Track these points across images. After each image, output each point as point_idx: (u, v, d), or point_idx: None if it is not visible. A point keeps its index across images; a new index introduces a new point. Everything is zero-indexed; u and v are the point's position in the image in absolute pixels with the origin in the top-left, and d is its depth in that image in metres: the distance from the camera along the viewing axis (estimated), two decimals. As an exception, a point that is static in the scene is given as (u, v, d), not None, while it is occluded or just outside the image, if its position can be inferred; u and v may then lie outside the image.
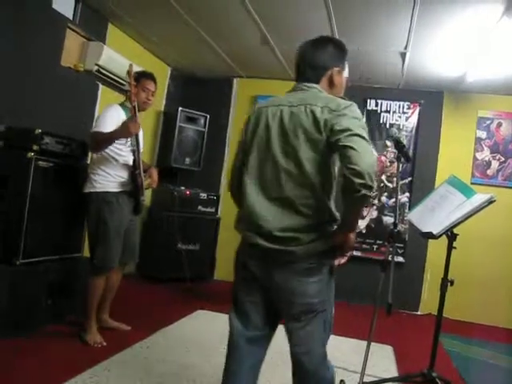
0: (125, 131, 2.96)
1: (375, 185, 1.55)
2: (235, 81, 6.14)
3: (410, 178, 5.53)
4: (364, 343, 2.74)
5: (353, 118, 1.62)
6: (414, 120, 5.58)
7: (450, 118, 5.59)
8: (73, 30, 4.15)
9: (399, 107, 5.61)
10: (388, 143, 5.54)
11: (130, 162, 3.17)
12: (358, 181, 1.48)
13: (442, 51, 4.38)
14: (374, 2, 3.59)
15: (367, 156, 1.53)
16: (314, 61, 1.83)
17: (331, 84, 1.85)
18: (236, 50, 5.07)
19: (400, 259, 5.37)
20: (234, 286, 1.90)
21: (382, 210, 5.57)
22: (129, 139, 3.13)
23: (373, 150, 1.62)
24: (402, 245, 5.39)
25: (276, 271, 1.70)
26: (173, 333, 3.55)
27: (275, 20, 4.13)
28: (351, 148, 1.53)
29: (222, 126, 6.11)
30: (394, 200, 5.45)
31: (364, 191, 1.49)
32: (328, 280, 1.75)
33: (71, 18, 4.08)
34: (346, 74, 1.92)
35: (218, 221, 5.72)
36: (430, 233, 2.27)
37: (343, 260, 1.76)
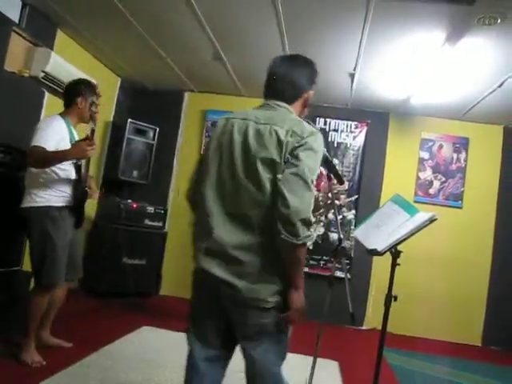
0: (80, 154, 2.86)
1: (307, 234, 1.53)
2: (186, 94, 6.12)
3: (356, 196, 5.66)
4: (310, 359, 2.74)
5: (310, 151, 1.61)
6: (361, 139, 5.75)
7: (395, 139, 5.80)
8: (18, 34, 3.99)
9: (347, 126, 5.77)
10: (336, 161, 5.67)
11: (72, 176, 3.03)
12: (285, 227, 1.50)
13: (388, 74, 4.56)
14: (325, 24, 3.70)
15: (300, 201, 1.52)
16: (293, 80, 1.78)
17: (304, 105, 1.84)
18: (188, 63, 5.06)
19: (347, 275, 5.46)
20: (190, 305, 1.84)
21: (328, 226, 5.66)
22: None
23: (312, 195, 1.59)
24: (348, 261, 5.50)
25: (228, 293, 1.65)
26: (116, 350, 3.43)
27: (228, 36, 4.16)
28: (291, 192, 1.52)
29: (171, 140, 6.05)
30: (340, 217, 5.56)
31: (287, 235, 1.50)
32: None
33: (17, 21, 3.93)
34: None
35: (165, 235, 5.63)
36: (375, 250, 2.31)
37: (292, 325, 1.68)
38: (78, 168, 3.05)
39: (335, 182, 2.56)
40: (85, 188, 3.08)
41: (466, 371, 4.24)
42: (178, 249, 5.43)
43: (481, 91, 4.68)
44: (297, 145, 1.60)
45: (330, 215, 5.63)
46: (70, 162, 3.00)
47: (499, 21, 3.24)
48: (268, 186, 1.60)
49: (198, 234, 1.77)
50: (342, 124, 5.79)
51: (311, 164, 1.60)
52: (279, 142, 1.61)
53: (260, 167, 1.61)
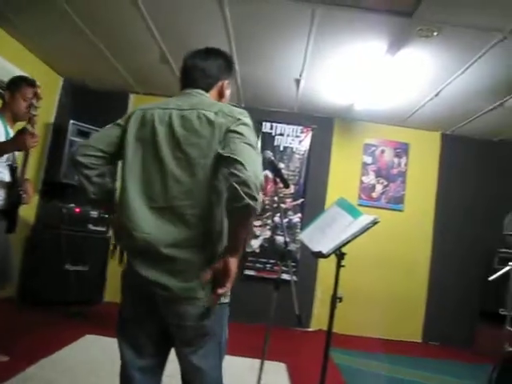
0: (21, 145, 2.70)
1: (260, 198, 1.50)
2: (131, 96, 5.99)
3: (302, 199, 5.75)
4: (257, 362, 2.75)
5: (245, 126, 1.60)
6: (306, 144, 5.85)
7: (339, 143, 5.95)
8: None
9: (293, 131, 5.85)
10: (282, 165, 5.73)
11: (6, 179, 2.87)
12: (242, 189, 1.43)
13: (333, 80, 4.67)
14: (272, 30, 3.74)
15: (254, 166, 1.49)
16: (207, 69, 1.81)
17: (220, 95, 1.85)
18: (134, 65, 4.98)
19: (294, 277, 5.52)
20: (121, 311, 1.76)
21: (274, 230, 5.72)
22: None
23: (260, 160, 1.58)
24: (294, 264, 5.56)
25: (161, 294, 1.59)
26: (57, 361, 3.30)
27: (175, 38, 4.12)
28: (239, 156, 1.49)
29: None
30: (286, 220, 5.63)
31: (249, 200, 1.43)
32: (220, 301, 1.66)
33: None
34: (229, 89, 1.93)
35: (109, 240, 5.49)
36: (320, 252, 2.35)
37: (221, 291, 1.54)
38: (13, 170, 2.90)
39: (281, 185, 2.59)
40: (20, 191, 2.91)
41: (408, 367, 4.41)
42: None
43: (420, 99, 4.89)
44: (230, 124, 1.58)
45: (276, 218, 5.68)
46: (5, 163, 2.86)
47: (436, 34, 3.41)
48: (202, 172, 1.57)
49: (122, 232, 1.66)
50: (288, 128, 5.87)
51: (251, 135, 1.60)
52: (210, 124, 1.59)
53: (191, 154, 1.58)
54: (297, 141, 5.86)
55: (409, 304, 5.72)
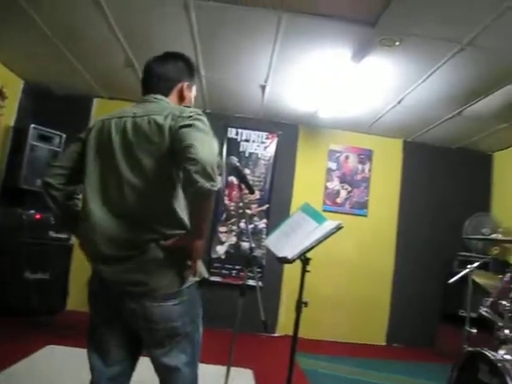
0: None
1: (218, 179, 1.49)
2: (95, 101, 5.88)
3: (267, 205, 5.77)
4: (224, 369, 2.74)
5: (196, 120, 1.59)
6: (272, 150, 5.88)
7: (304, 150, 6.01)
8: None
9: (258, 137, 5.88)
10: (247, 171, 5.75)
11: None
12: (197, 171, 1.43)
13: (297, 87, 4.72)
14: (237, 36, 3.75)
15: (207, 147, 1.50)
16: (165, 73, 1.82)
17: (181, 97, 1.86)
18: (98, 69, 4.89)
19: (259, 283, 5.53)
20: (89, 319, 1.75)
21: (240, 235, 5.71)
22: None
23: (215, 144, 1.59)
24: (259, 269, 5.57)
25: (131, 300, 1.60)
26: (16, 374, 3.17)
27: (140, 43, 4.07)
28: (192, 141, 1.50)
29: None
30: (251, 226, 5.64)
31: (203, 181, 1.43)
32: (191, 300, 1.68)
33: None
34: (194, 92, 1.94)
35: (71, 247, 5.36)
36: (285, 257, 2.37)
37: (190, 272, 1.63)
38: None
39: (246, 191, 2.59)
40: None
41: (372, 369, 4.49)
42: (85, 261, 5.18)
43: (383, 107, 5.00)
44: (181, 122, 1.58)
45: (242, 224, 5.68)
46: None
47: (398, 43, 3.50)
48: (155, 177, 1.59)
49: (85, 240, 1.69)
50: (253, 134, 5.89)
51: (204, 126, 1.60)
52: (159, 128, 1.59)
53: (144, 160, 1.59)
54: (262, 147, 5.89)
55: (373, 307, 5.82)
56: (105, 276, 1.62)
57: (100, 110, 5.87)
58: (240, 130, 5.87)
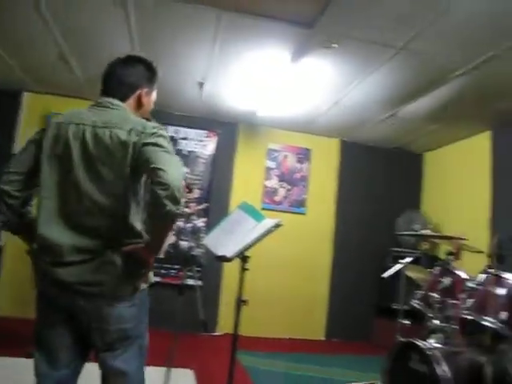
0: None
1: (183, 203, 1.53)
2: (25, 95, 5.58)
3: (206, 204, 5.74)
4: (163, 370, 2.70)
5: (161, 137, 1.62)
6: (211, 148, 5.86)
7: (243, 148, 6.03)
8: None
9: (197, 135, 5.83)
10: (186, 169, 5.69)
11: None
12: (165, 195, 1.46)
13: (237, 86, 4.73)
14: (176, 32, 3.70)
15: (176, 172, 1.52)
16: (125, 78, 1.79)
17: (139, 104, 1.83)
18: (29, 62, 4.64)
19: (198, 282, 5.50)
20: (36, 322, 1.71)
21: (179, 234, 5.65)
22: None
23: (180, 165, 1.62)
24: (199, 268, 5.53)
25: (85, 301, 1.60)
26: None
27: (75, 36, 3.92)
28: (161, 164, 1.52)
29: (5, 143, 5.39)
30: (190, 225, 5.59)
31: (172, 205, 1.47)
32: (142, 303, 1.72)
33: None
34: (153, 96, 1.92)
35: (1, 249, 5.09)
36: (224, 256, 2.37)
37: (144, 279, 1.71)
38: None
39: (185, 190, 2.57)
40: None
41: (312, 364, 4.59)
42: (16, 264, 4.94)
43: (321, 107, 5.11)
44: (145, 139, 1.59)
45: (180, 223, 5.62)
46: None
47: (335, 45, 3.58)
48: (116, 190, 1.60)
49: (42, 247, 1.64)
50: (192, 132, 5.83)
51: (168, 145, 1.62)
52: (122, 144, 1.59)
53: (105, 173, 1.60)
54: (201, 145, 5.85)
55: (312, 303, 5.95)
56: (59, 277, 1.59)
57: (31, 105, 5.55)
58: (179, 128, 5.79)
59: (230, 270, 5.27)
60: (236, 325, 2.54)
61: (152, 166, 1.53)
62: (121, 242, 1.62)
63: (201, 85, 4.77)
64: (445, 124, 5.26)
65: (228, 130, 5.95)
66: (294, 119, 5.65)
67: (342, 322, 5.94)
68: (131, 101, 1.80)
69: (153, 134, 1.61)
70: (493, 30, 3.15)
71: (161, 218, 1.54)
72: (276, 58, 3.92)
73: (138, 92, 1.81)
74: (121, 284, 1.62)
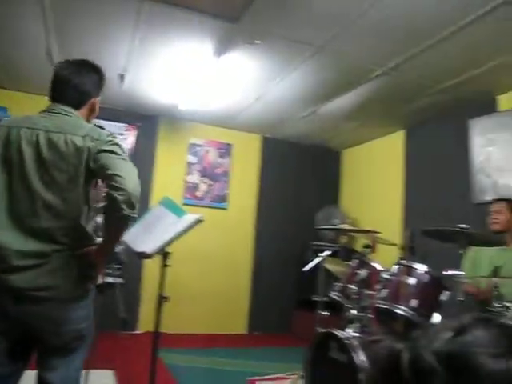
0: None
1: (137, 206, 1.60)
2: None
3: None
4: (81, 372, 2.59)
5: (116, 145, 1.66)
6: (131, 142, 5.69)
7: (164, 143, 5.91)
8: None
9: (116, 128, 5.62)
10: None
11: None
12: (122, 200, 1.52)
13: (158, 79, 4.62)
14: (95, 22, 3.55)
15: (132, 178, 1.58)
16: (81, 86, 1.78)
17: (92, 112, 1.86)
18: None
19: (118, 280, 5.34)
20: None
21: (96, 230, 5.42)
22: None
23: (136, 172, 1.66)
24: (119, 266, 5.36)
25: (39, 306, 1.57)
26: None
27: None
28: (118, 170, 1.56)
29: None
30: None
31: (128, 210, 1.54)
32: (91, 304, 1.76)
33: None
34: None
35: None
36: (144, 252, 2.31)
37: (94, 281, 1.76)
38: None
39: (102, 185, 2.48)
40: None
41: (234, 358, 4.62)
42: None
43: (243, 102, 5.13)
44: (101, 146, 1.63)
45: (98, 219, 5.40)
46: None
47: (258, 42, 3.61)
48: (71, 195, 1.63)
49: None
50: (111, 126, 5.61)
51: (123, 153, 1.68)
52: (77, 149, 1.61)
53: (59, 179, 1.61)
54: (120, 138, 5.64)
55: (234, 298, 5.98)
56: (10, 283, 1.55)
57: None
58: (98, 121, 5.53)
59: (151, 267, 5.14)
60: (157, 322, 2.49)
61: (109, 171, 1.58)
62: (73, 245, 1.64)
63: (121, 77, 4.61)
64: (362, 122, 5.48)
65: (149, 123, 5.80)
66: (216, 114, 5.62)
67: (264, 316, 6.02)
68: (85, 109, 1.82)
69: (108, 141, 1.65)
70: (408, 32, 3.32)
71: (116, 222, 1.62)
72: (198, 51, 3.88)
73: (91, 100, 1.84)
74: (75, 287, 1.65)
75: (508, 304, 2.55)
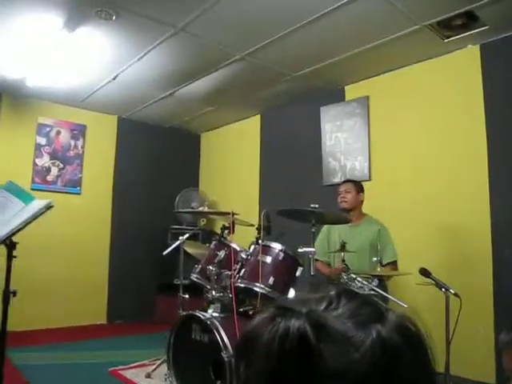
0: None
1: None
2: None
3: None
4: None
5: None
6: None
7: (8, 122, 5.33)
8: None
9: None
10: None
11: None
12: None
13: (1, 50, 4.12)
14: None
15: None
16: None
17: None
18: None
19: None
20: None
21: None
22: None
23: None
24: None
25: None
26: None
27: None
28: None
29: None
30: None
31: None
32: None
33: None
34: None
35: None
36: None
37: None
38: None
39: None
40: None
41: (94, 350, 4.44)
42: None
43: (98, 81, 4.85)
44: None
45: None
46: None
47: (114, 18, 3.43)
48: None
49: None
50: None
51: None
52: None
53: None
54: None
55: (91, 288, 5.70)
56: None
57: None
58: None
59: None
60: (4, 320, 2.29)
61: None
62: None
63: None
64: (220, 106, 5.57)
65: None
66: (68, 92, 5.22)
67: (125, 304, 5.86)
68: None
69: None
70: (266, 20, 3.43)
71: None
72: (47, 23, 3.54)
73: None
74: None
75: (354, 276, 2.82)
